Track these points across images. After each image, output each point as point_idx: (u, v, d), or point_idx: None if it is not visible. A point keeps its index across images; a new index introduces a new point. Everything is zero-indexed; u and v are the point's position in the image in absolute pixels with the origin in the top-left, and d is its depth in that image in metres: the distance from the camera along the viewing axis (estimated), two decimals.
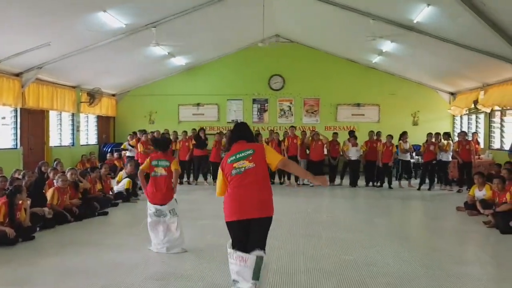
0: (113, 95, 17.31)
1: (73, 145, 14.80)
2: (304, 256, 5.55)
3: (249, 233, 3.95)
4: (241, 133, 4.26)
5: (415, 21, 10.12)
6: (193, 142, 13.39)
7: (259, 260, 3.84)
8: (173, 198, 6.02)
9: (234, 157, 4.05)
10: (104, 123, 16.98)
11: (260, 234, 3.99)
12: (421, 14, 9.63)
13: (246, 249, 3.88)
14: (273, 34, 16.26)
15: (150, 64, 15.16)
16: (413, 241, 6.44)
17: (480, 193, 8.47)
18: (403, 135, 12.70)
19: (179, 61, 15.69)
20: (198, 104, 17.13)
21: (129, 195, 10.05)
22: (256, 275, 3.84)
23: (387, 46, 12.91)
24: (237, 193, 3.97)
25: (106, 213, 8.35)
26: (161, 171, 5.92)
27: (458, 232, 7.28)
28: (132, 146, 13.50)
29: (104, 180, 9.54)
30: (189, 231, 6.88)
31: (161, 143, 6.24)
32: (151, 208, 5.92)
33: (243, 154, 4.05)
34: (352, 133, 12.99)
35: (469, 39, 10.13)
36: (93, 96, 14.87)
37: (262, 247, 3.92)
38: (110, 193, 9.71)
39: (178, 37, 13.28)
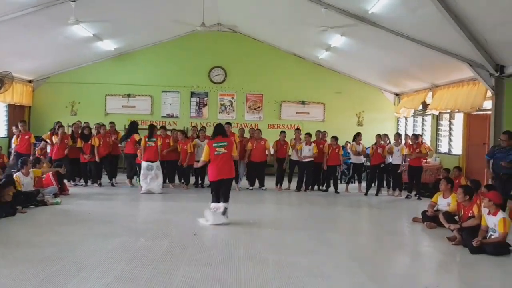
0: (30, 81, 15.12)
1: None
2: None
3: (221, 188, 7.28)
4: (219, 130, 7.48)
5: (370, 12, 9.19)
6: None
7: (225, 209, 7.24)
8: (158, 160, 10.50)
9: (216, 144, 7.27)
10: (17, 113, 14.70)
11: (226, 190, 7.31)
12: (378, 4, 8.71)
13: (219, 200, 7.27)
14: (215, 22, 14.89)
15: (72, 47, 13.23)
16: (375, 264, 5.37)
17: (445, 201, 7.66)
18: (357, 137, 11.83)
19: (107, 45, 13.89)
20: (128, 95, 15.38)
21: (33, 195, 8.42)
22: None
23: (337, 40, 11.98)
24: (217, 166, 7.23)
25: None
26: (151, 144, 10.48)
27: (424, 252, 6.33)
28: (46, 141, 11.61)
29: None
30: (92, 257, 5.37)
31: (150, 129, 10.71)
32: (144, 164, 10.30)
33: (221, 144, 7.27)
34: (299, 131, 11.86)
35: (426, 34, 9.37)
36: (1, 81, 12.70)
37: (227, 200, 7.29)
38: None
39: (105, 16, 11.55)
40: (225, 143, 7.32)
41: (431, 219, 7.56)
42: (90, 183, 11.34)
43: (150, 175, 10.26)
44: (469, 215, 6.59)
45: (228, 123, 11.71)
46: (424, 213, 7.78)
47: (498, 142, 8.04)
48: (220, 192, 7.30)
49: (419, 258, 5.97)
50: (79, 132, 11.45)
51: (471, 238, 6.03)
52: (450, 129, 12.25)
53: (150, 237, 6.33)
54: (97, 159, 11.12)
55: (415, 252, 6.32)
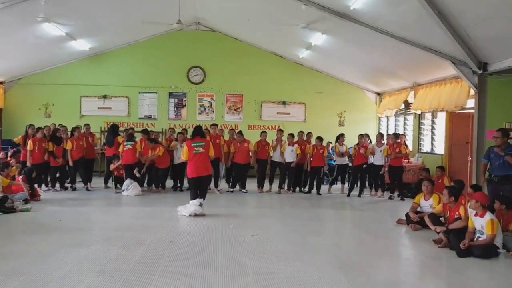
0: (1, 83, 14.56)
1: None
2: None
3: (200, 185, 8.10)
4: (198, 132, 8.25)
5: (351, 8, 8.95)
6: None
7: (201, 204, 7.98)
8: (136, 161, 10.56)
9: (195, 144, 8.04)
10: None
11: (204, 187, 8.25)
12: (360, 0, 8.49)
13: (197, 196, 8.06)
14: (193, 21, 14.57)
15: (44, 47, 12.72)
16: (359, 271, 5.10)
17: (427, 203, 7.51)
18: (340, 137, 11.60)
19: (82, 45, 13.39)
20: (104, 97, 14.90)
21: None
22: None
23: (317, 39, 11.74)
24: (195, 164, 8.02)
25: None
26: (129, 147, 10.42)
27: (409, 256, 6.08)
28: (18, 144, 11.11)
29: None
30: (59, 269, 4.97)
31: (130, 136, 10.66)
32: (127, 181, 10.31)
33: (199, 144, 8.05)
34: (282, 132, 11.59)
35: (408, 31, 9.19)
36: None
37: (204, 197, 8.16)
38: None
39: (77, 14, 11.10)
40: (203, 144, 8.15)
41: (414, 221, 7.37)
42: (58, 187, 10.88)
43: (131, 188, 10.29)
44: (456, 216, 6.39)
45: (215, 125, 11.40)
46: (408, 215, 7.57)
47: (494, 141, 7.63)
48: (198, 189, 8.16)
49: (404, 263, 5.73)
50: (50, 135, 10.90)
51: (458, 241, 5.83)
52: (433, 128, 12.13)
53: (123, 246, 5.95)
54: (70, 163, 10.66)
55: (401, 256, 6.10)
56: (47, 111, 14.82)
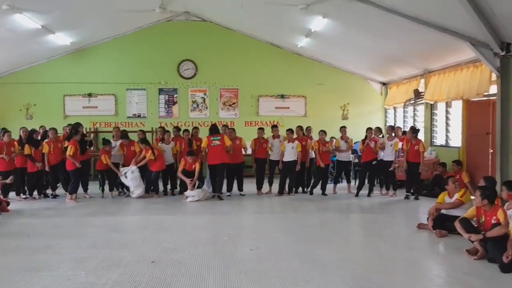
0: None
1: None
2: None
3: (215, 172, 9.76)
4: (215, 129, 9.96)
5: None
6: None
7: (220, 197, 9.64)
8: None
9: (213, 138, 9.69)
10: None
11: (220, 176, 9.71)
12: None
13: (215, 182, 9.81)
14: (182, 10, 13.51)
15: (20, 42, 11.67)
16: None
17: (452, 200, 6.55)
18: (341, 129, 10.55)
19: (62, 39, 12.33)
20: (89, 95, 13.88)
21: None
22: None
23: (318, 23, 10.69)
24: (213, 153, 9.66)
25: None
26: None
27: (444, 273, 4.93)
28: None
29: None
30: None
31: (125, 136, 10.32)
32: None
33: (216, 138, 9.69)
34: (277, 128, 10.56)
35: (421, 9, 8.13)
36: None
37: (220, 189, 9.76)
38: None
39: (52, 4, 10.00)
40: (219, 137, 9.70)
41: (441, 226, 6.35)
42: (37, 195, 9.86)
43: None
44: (493, 222, 5.34)
45: (195, 128, 10.69)
46: (434, 219, 6.54)
47: None
48: (216, 177, 9.71)
49: (438, 283, 4.63)
50: (26, 137, 9.84)
51: (499, 252, 4.81)
52: (447, 118, 11.09)
53: (94, 269, 4.91)
54: (47, 168, 9.61)
55: (431, 273, 5.02)
56: (29, 112, 13.83)
